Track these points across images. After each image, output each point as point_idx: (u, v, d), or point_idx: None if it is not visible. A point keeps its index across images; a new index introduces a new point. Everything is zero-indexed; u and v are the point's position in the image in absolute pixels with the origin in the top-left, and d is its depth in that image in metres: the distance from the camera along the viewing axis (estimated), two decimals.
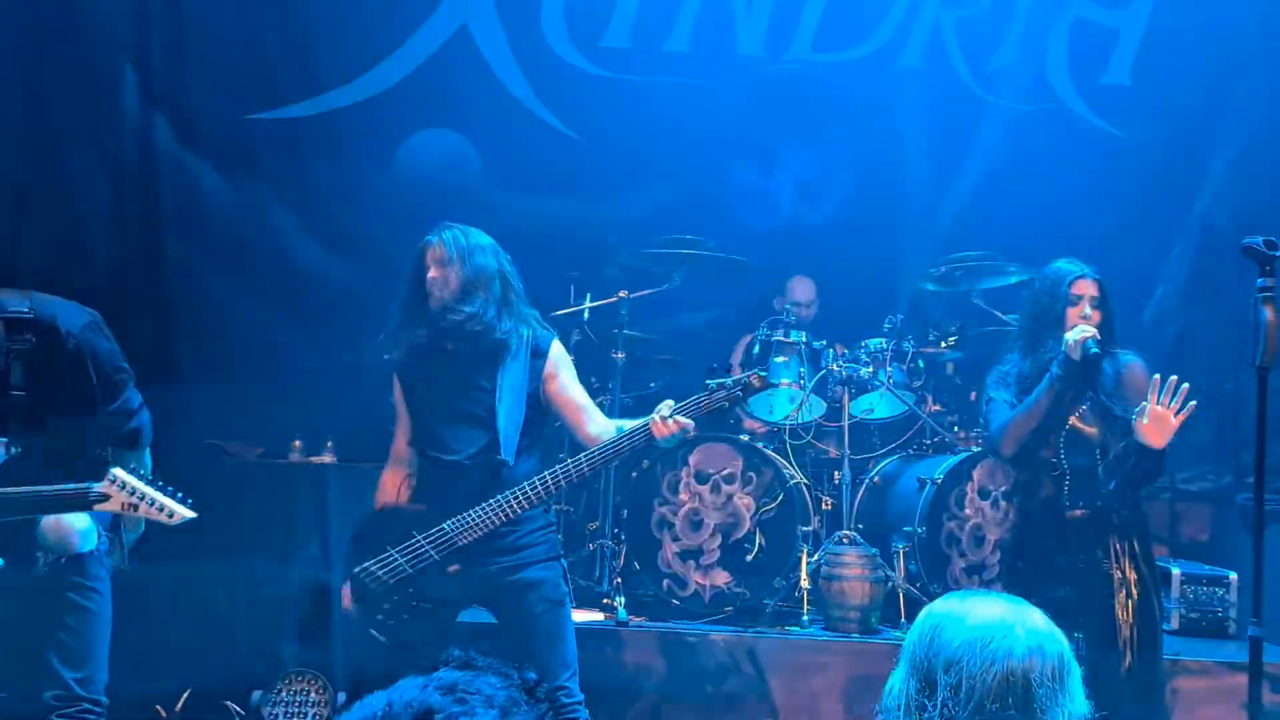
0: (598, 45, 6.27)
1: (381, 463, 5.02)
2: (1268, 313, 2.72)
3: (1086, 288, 3.57)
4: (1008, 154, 6.24)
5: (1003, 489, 4.86)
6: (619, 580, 4.83)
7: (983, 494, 4.90)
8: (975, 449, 5.06)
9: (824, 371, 5.24)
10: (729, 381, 3.25)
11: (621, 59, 6.29)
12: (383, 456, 5.17)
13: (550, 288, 5.74)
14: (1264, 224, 5.70)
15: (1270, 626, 3.22)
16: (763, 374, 3.30)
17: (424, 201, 6.12)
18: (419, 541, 3.30)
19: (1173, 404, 3.22)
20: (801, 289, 5.99)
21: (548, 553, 3.41)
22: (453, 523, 3.27)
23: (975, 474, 4.89)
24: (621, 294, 5.26)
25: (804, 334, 5.32)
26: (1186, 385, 3.18)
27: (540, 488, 3.24)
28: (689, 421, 3.22)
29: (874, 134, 6.32)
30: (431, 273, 3.40)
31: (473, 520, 3.25)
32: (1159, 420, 3.23)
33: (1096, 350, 3.40)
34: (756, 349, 5.34)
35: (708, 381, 3.26)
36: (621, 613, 4.66)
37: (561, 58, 6.25)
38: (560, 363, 3.47)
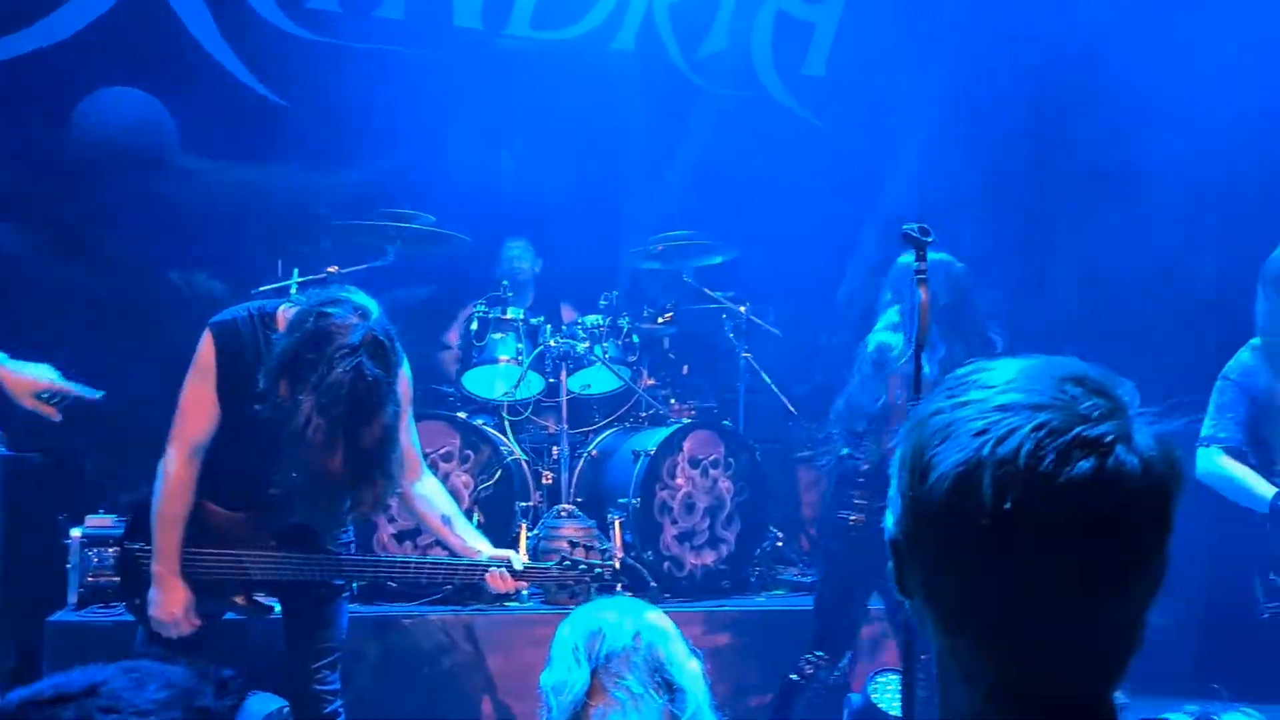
0: (303, 6, 5.96)
1: (55, 452, 4.57)
2: (922, 294, 2.93)
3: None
4: (719, 138, 6.52)
5: (712, 458, 5.10)
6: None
7: (693, 463, 5.10)
8: (686, 420, 5.26)
9: (541, 347, 5.26)
10: (583, 565, 3.10)
11: (330, 23, 6.01)
12: (61, 445, 4.73)
13: (255, 262, 5.43)
14: (937, 209, 6.28)
15: None
16: (614, 566, 3.20)
17: (107, 164, 5.62)
18: (210, 555, 3.01)
19: None
20: (516, 249, 6.02)
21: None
22: (257, 565, 3.00)
23: (686, 445, 5.08)
24: (332, 269, 5.03)
25: (522, 311, 5.33)
26: None
27: (361, 569, 3.09)
28: (525, 585, 3.15)
29: (593, 113, 6.41)
30: None
31: (279, 567, 3.00)
32: None
33: None
34: (474, 325, 5.28)
35: (564, 557, 3.12)
36: None
37: (264, 18, 5.89)
38: (409, 397, 3.12)
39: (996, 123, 6.74)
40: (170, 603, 2.95)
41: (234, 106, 5.88)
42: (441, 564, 3.08)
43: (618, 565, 3.24)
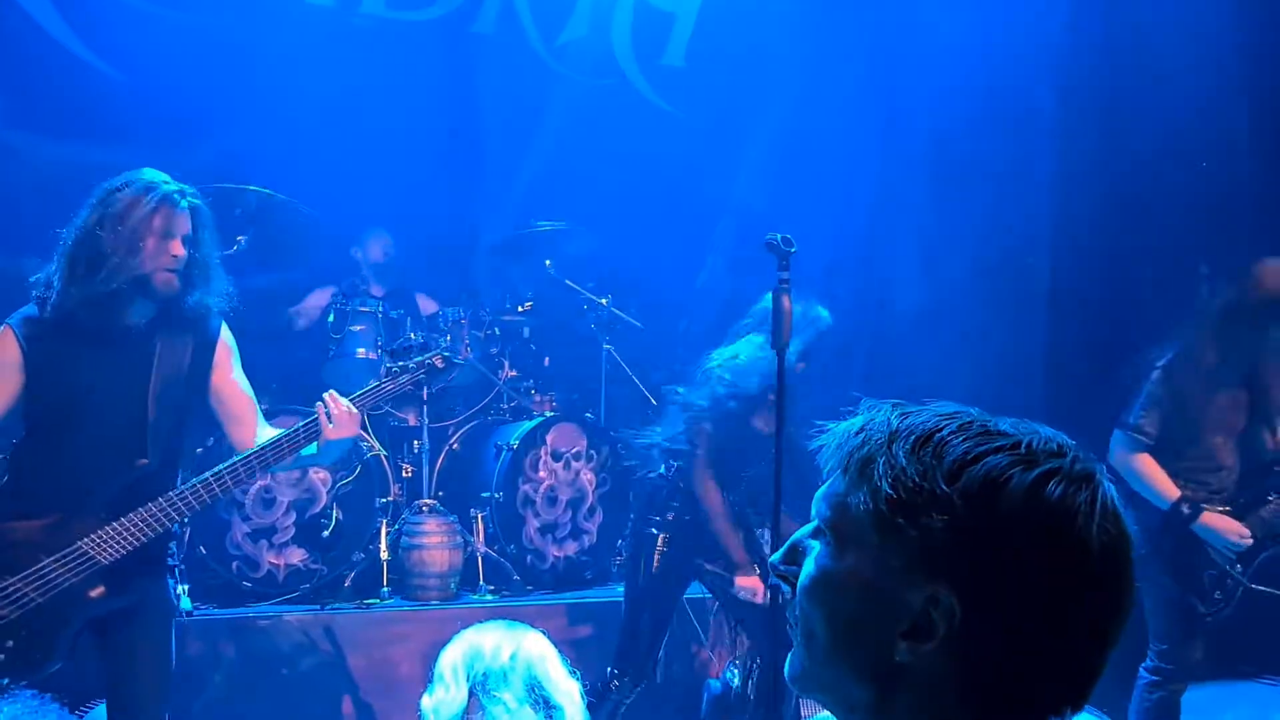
0: None
1: None
2: (785, 302, 3.05)
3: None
4: (579, 126, 6.49)
5: (575, 450, 5.13)
6: (182, 567, 4.47)
7: (555, 456, 5.12)
8: (549, 414, 5.27)
9: (402, 340, 5.16)
10: (411, 364, 2.99)
11: None
12: None
13: None
14: (788, 206, 6.43)
15: None
16: (446, 354, 3.04)
17: None
18: (48, 566, 2.72)
19: None
20: (378, 245, 5.88)
21: (169, 560, 3.05)
22: (92, 540, 2.73)
23: (549, 438, 5.10)
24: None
25: (380, 304, 5.22)
26: None
27: (204, 494, 2.80)
28: (362, 406, 2.98)
29: (451, 97, 6.29)
30: (174, 247, 2.85)
31: (116, 535, 2.74)
32: None
33: None
34: (332, 316, 5.15)
35: (387, 364, 3.00)
36: (185, 602, 4.32)
37: None
38: (232, 348, 3.03)
39: (848, 115, 6.94)
40: None
41: (63, 78, 5.51)
42: (281, 437, 2.93)
43: (447, 355, 3.09)
